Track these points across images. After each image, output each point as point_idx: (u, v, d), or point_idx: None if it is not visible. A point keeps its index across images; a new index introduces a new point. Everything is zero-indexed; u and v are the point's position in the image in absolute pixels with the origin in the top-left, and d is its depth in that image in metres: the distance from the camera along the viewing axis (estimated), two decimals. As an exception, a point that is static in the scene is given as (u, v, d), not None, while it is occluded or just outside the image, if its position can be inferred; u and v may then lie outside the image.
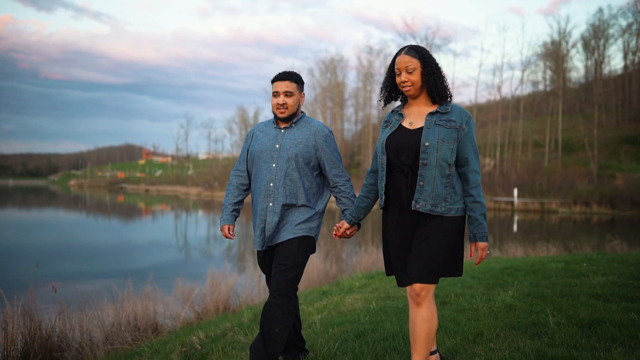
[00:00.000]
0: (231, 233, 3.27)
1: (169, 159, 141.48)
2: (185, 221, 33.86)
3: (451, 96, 2.78)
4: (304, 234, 3.15)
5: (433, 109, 2.73)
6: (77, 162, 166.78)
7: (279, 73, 3.25)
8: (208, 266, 8.63)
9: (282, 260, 3.08)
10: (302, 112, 3.33)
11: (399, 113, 2.81)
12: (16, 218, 32.89)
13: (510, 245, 12.27)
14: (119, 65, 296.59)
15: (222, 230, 3.28)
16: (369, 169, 2.99)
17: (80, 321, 5.91)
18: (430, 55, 2.74)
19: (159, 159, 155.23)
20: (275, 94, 3.20)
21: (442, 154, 2.63)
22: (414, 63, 2.69)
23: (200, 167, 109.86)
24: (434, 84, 2.70)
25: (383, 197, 2.79)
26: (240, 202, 3.36)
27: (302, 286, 7.94)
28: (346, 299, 5.53)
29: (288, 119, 3.23)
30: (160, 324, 6.53)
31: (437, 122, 2.67)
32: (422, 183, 2.65)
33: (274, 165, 3.17)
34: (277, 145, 3.20)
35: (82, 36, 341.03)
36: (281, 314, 3.00)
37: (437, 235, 2.65)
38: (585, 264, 6.56)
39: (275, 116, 3.26)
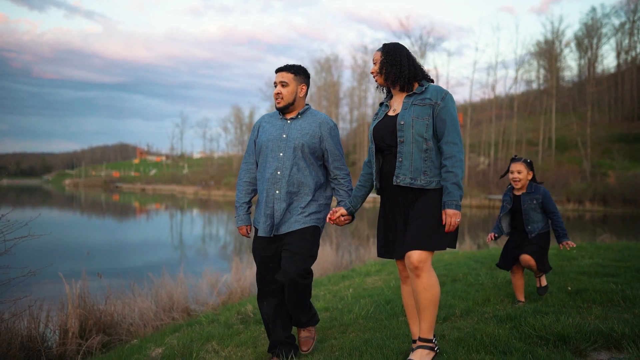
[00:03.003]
0: (249, 232, 3.42)
1: (163, 158, 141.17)
2: (192, 219, 34.50)
3: (427, 78, 2.95)
4: (314, 224, 3.26)
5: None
6: (71, 161, 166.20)
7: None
8: (229, 258, 9.34)
9: (296, 249, 3.16)
10: (307, 104, 3.41)
11: (385, 105, 3.02)
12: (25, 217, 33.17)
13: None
14: (112, 64, 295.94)
15: (239, 230, 3.42)
16: (366, 159, 3.13)
17: (125, 302, 6.67)
18: (394, 49, 2.93)
19: (153, 158, 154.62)
20: (274, 84, 3.34)
21: (417, 130, 2.77)
22: (376, 57, 2.97)
23: (195, 166, 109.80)
24: (389, 72, 2.91)
25: (376, 181, 2.98)
26: (253, 197, 3.46)
27: (317, 273, 8.71)
28: (367, 280, 6.30)
29: (285, 108, 3.31)
30: (190, 308, 7.29)
31: (413, 103, 2.84)
32: (401, 159, 2.80)
33: (281, 154, 3.24)
34: (284, 135, 3.27)
35: (74, 35, 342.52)
36: (305, 290, 3.24)
37: (425, 207, 2.77)
38: (575, 251, 7.35)
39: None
